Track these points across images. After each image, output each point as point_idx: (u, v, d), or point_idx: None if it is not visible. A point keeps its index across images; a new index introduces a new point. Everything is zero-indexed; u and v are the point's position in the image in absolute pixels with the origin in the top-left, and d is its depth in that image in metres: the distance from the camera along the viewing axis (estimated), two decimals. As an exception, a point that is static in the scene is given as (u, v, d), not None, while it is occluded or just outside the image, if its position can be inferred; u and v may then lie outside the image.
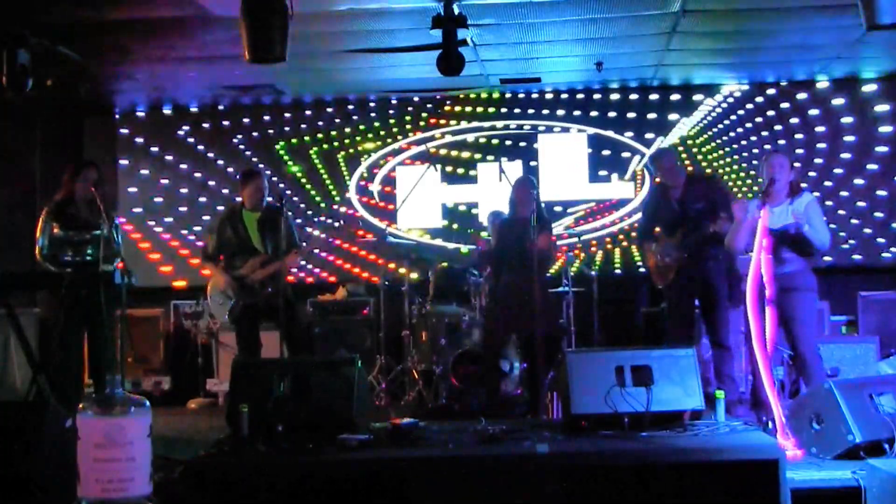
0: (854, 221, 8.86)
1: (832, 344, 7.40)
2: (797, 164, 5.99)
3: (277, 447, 4.49)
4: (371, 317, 8.58)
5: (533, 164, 9.24)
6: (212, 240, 6.87)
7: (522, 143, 9.31)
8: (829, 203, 8.73)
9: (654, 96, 9.19)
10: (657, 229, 6.83)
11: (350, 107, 9.45)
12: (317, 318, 8.54)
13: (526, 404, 6.80)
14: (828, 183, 8.90)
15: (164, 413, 7.39)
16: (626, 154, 9.17)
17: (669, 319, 6.86)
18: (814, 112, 9.01)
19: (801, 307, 5.73)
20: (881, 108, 8.95)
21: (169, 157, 9.56)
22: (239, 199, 6.96)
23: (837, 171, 8.94)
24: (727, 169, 9.03)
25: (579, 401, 4.77)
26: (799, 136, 9.02)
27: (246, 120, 9.53)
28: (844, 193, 8.89)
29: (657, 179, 7.14)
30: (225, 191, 9.43)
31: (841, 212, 8.86)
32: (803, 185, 6.17)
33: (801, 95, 9.03)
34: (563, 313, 7.63)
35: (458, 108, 9.38)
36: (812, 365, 5.76)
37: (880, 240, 8.89)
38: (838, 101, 8.99)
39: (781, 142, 8.98)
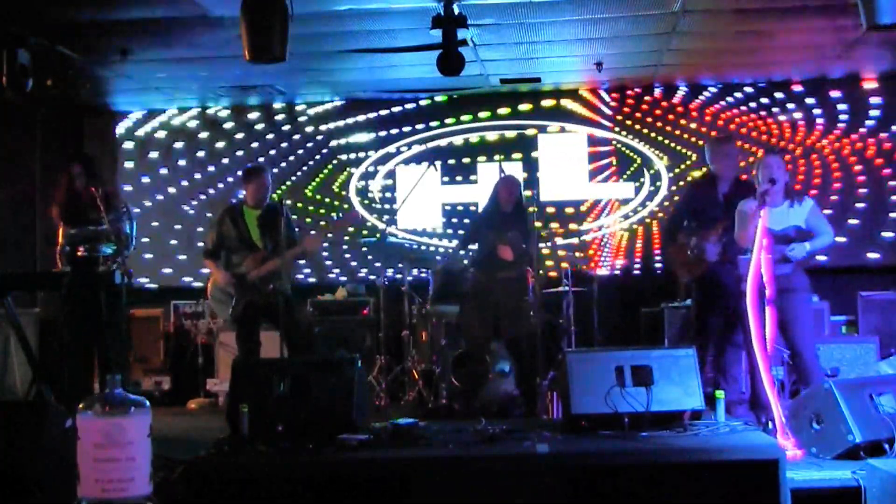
0: (854, 221, 8.85)
1: (832, 344, 7.40)
2: (795, 156, 5.92)
3: (277, 447, 4.49)
4: (371, 317, 8.58)
5: (533, 164, 9.25)
6: (212, 235, 6.88)
7: (522, 144, 9.32)
8: (828, 203, 8.74)
9: (654, 96, 9.20)
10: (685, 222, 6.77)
11: (350, 107, 9.45)
12: (317, 318, 8.54)
13: (522, 405, 6.79)
14: (827, 182, 8.90)
15: (164, 413, 7.41)
16: (625, 154, 9.20)
17: (695, 315, 6.73)
18: (813, 112, 9.01)
19: (797, 308, 5.73)
20: (881, 108, 8.95)
21: (169, 157, 9.57)
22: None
23: (837, 170, 8.94)
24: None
25: (579, 401, 4.77)
26: (799, 135, 9.02)
27: (246, 120, 9.54)
28: (844, 193, 8.89)
29: (704, 169, 6.92)
30: (221, 186, 9.45)
31: (841, 211, 8.86)
32: (801, 188, 6.13)
33: (801, 95, 9.03)
34: (564, 313, 7.63)
35: (458, 109, 9.37)
36: (811, 365, 5.76)
37: (880, 240, 8.89)
38: (838, 101, 8.98)
39: (783, 143, 8.98)
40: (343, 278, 9.26)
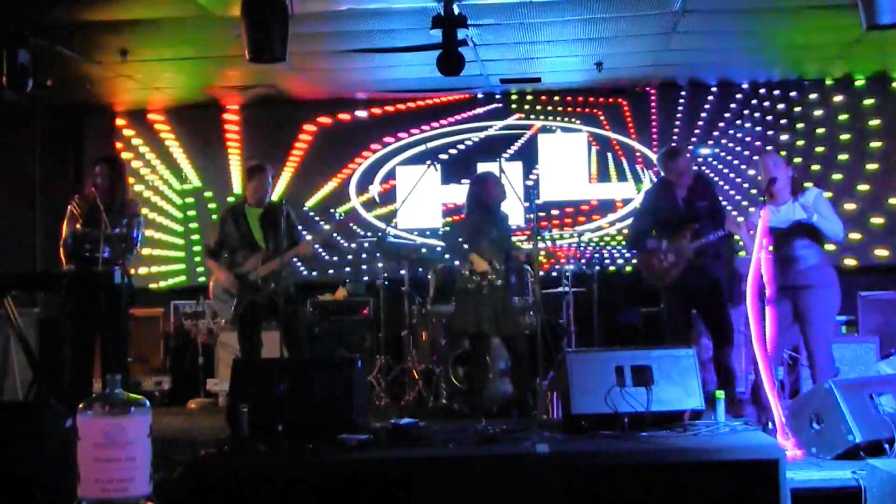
0: (853, 221, 8.84)
1: (832, 344, 7.38)
2: (797, 160, 5.90)
3: (277, 447, 4.50)
4: (371, 317, 8.57)
5: (533, 164, 9.25)
6: (214, 235, 6.87)
7: (522, 144, 9.32)
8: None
9: (654, 96, 9.19)
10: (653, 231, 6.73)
11: (350, 106, 9.44)
12: (317, 318, 8.53)
13: (515, 404, 6.75)
14: (827, 182, 8.88)
15: (164, 413, 7.41)
16: (625, 154, 9.20)
17: (670, 319, 6.65)
18: (813, 112, 9.01)
19: (817, 305, 5.63)
20: (880, 107, 8.95)
21: (169, 157, 9.57)
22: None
23: (837, 170, 8.94)
24: (727, 169, 9.04)
25: (579, 401, 4.77)
26: (798, 136, 9.02)
27: (247, 119, 9.54)
28: (844, 193, 8.88)
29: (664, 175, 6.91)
30: (221, 186, 9.46)
31: (840, 211, 8.84)
32: (808, 184, 6.10)
33: (801, 95, 9.03)
34: (563, 313, 7.62)
35: (457, 108, 9.37)
36: (821, 366, 5.65)
37: (880, 239, 8.89)
38: (838, 101, 8.99)
39: (784, 138, 8.99)
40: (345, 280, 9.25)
